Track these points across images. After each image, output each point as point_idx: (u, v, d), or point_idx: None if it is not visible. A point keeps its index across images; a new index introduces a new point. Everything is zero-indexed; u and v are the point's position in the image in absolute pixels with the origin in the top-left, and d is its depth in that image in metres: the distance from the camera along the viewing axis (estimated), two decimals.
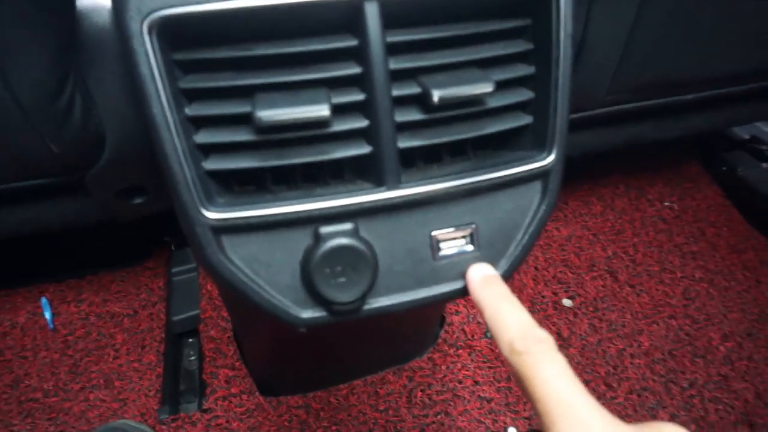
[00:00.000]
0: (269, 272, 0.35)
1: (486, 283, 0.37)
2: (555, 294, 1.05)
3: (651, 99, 0.77)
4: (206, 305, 0.94)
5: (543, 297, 1.04)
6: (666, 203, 1.22)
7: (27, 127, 0.53)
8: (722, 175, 1.26)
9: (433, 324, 0.85)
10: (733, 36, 0.70)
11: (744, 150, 1.28)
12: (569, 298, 1.04)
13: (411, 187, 0.36)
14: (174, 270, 0.97)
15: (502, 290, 0.36)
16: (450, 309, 0.93)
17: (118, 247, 1.07)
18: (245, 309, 0.53)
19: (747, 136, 1.30)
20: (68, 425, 0.83)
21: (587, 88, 0.68)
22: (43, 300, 0.96)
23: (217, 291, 0.95)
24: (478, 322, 0.93)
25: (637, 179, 1.26)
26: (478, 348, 0.91)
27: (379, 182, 0.35)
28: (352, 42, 0.33)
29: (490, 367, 0.89)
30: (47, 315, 0.95)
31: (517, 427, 0.78)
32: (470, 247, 0.38)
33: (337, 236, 0.35)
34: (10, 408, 0.85)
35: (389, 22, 0.33)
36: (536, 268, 1.09)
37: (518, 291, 1.04)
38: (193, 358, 0.91)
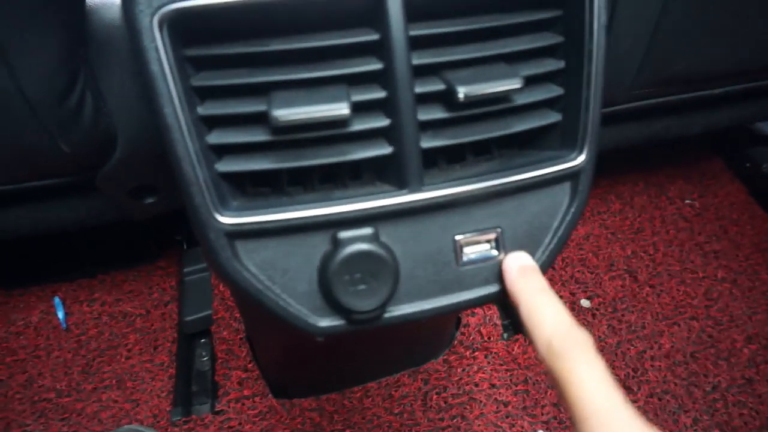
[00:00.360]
0: (285, 279, 0.34)
1: (523, 274, 0.35)
2: (573, 294, 1.02)
3: (677, 93, 0.74)
4: (218, 306, 0.93)
5: (560, 297, 1.01)
6: (687, 201, 1.19)
7: (37, 125, 0.52)
8: (746, 172, 1.22)
9: (449, 326, 0.83)
10: (762, 27, 0.68)
11: None
12: (587, 298, 1.02)
13: (434, 189, 0.34)
14: (186, 270, 0.96)
15: (541, 283, 0.34)
16: (466, 311, 0.91)
17: (130, 247, 1.06)
18: (259, 315, 0.51)
19: None
20: (81, 426, 0.82)
21: (611, 82, 0.66)
22: (56, 299, 0.96)
23: (229, 292, 0.94)
24: (495, 324, 0.91)
25: (656, 176, 1.23)
26: (495, 350, 0.89)
27: (401, 184, 0.34)
28: (374, 36, 0.31)
29: (507, 370, 0.87)
30: (60, 315, 0.94)
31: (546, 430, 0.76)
32: (495, 252, 0.37)
33: (357, 241, 0.33)
34: (24, 408, 0.84)
35: (412, 14, 0.31)
36: (553, 268, 1.06)
37: None
38: (205, 358, 0.90)
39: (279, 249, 0.33)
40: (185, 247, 1.01)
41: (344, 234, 0.33)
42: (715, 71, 0.72)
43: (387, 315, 0.35)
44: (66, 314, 0.95)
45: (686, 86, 0.75)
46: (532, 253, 0.37)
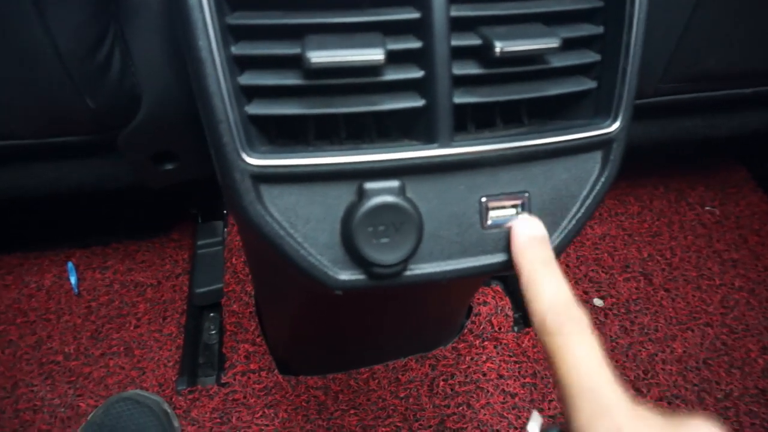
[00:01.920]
0: (308, 228, 0.33)
1: (530, 243, 0.34)
2: (586, 293, 1.01)
3: (706, 90, 0.73)
4: (230, 279, 0.93)
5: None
6: (707, 207, 1.17)
7: (65, 78, 0.52)
8: None
9: (460, 312, 0.83)
10: None
11: None
12: (600, 298, 1.01)
13: (464, 146, 0.33)
14: (199, 243, 0.96)
15: (546, 255, 0.33)
16: (478, 299, 0.90)
17: (145, 218, 1.07)
18: (274, 272, 0.51)
19: None
20: (87, 389, 0.83)
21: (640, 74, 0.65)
22: (69, 264, 0.97)
23: (240, 265, 0.94)
24: (506, 315, 0.90)
25: (677, 181, 1.22)
26: (505, 341, 0.88)
27: (431, 139, 0.33)
28: None
29: (516, 362, 0.86)
30: (72, 280, 0.95)
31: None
32: None
33: (383, 193, 0.32)
34: (32, 369, 0.85)
35: None
36: (567, 266, 1.05)
37: None
38: (213, 332, 0.90)
39: (303, 196, 0.33)
40: (200, 220, 1.01)
41: (370, 185, 0.33)
42: (746, 69, 0.71)
43: (408, 273, 0.34)
44: (78, 280, 0.95)
45: (716, 83, 0.74)
46: (558, 222, 0.37)
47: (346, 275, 0.34)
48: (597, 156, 0.37)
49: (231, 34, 0.31)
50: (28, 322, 0.91)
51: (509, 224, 0.35)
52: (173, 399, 0.81)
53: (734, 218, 1.15)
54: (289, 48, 0.31)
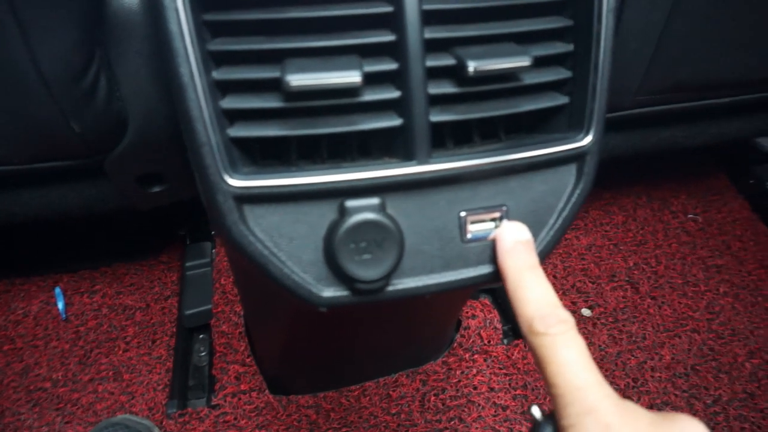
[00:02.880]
0: (291, 246, 0.34)
1: (515, 249, 0.35)
2: (574, 303, 1.02)
3: (683, 101, 0.75)
4: (219, 299, 0.93)
5: None
6: (690, 215, 1.19)
7: (51, 104, 0.53)
8: (750, 189, 1.22)
9: (449, 326, 0.83)
10: None
11: None
12: (588, 307, 1.02)
13: (441, 162, 0.34)
14: (188, 264, 0.96)
15: (531, 260, 0.34)
16: (466, 313, 0.91)
17: (133, 240, 1.07)
18: (261, 291, 0.51)
19: None
20: (75, 416, 0.82)
21: (617, 86, 0.66)
22: (57, 290, 0.96)
23: (229, 285, 0.94)
24: (495, 328, 0.91)
25: (660, 190, 1.24)
26: (495, 354, 0.88)
27: (409, 156, 0.34)
28: (387, 8, 0.32)
29: (506, 374, 0.86)
30: (60, 305, 0.94)
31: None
32: None
33: (364, 210, 0.33)
34: (19, 396, 0.84)
35: None
36: (555, 277, 1.06)
37: None
38: (203, 353, 0.90)
39: (286, 216, 0.34)
40: (188, 242, 1.01)
41: (351, 203, 0.33)
42: (722, 79, 0.73)
43: (391, 288, 0.35)
44: (66, 305, 0.95)
45: (693, 94, 0.76)
46: (537, 233, 0.37)
47: (330, 292, 0.35)
48: (572, 168, 0.38)
49: (212, 59, 0.32)
50: (15, 349, 0.90)
51: (494, 233, 0.36)
52: (164, 423, 0.80)
53: (717, 225, 1.17)
54: (269, 72, 0.32)
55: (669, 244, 1.13)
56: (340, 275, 0.34)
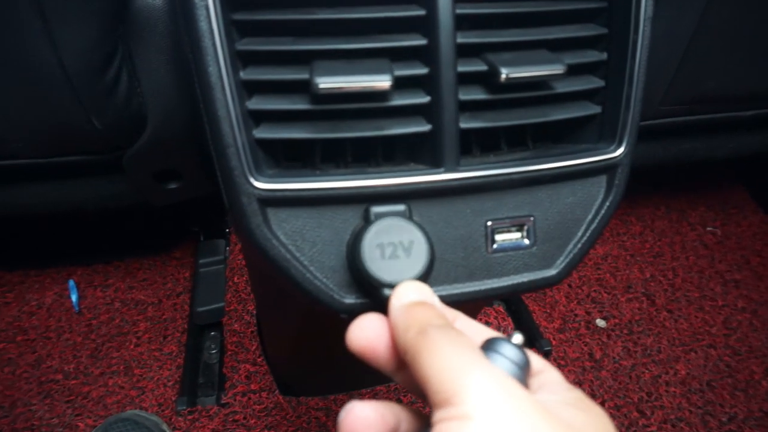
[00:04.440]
0: (314, 251, 0.33)
1: (409, 313, 0.27)
2: (588, 313, 1.01)
3: (706, 113, 0.73)
4: (231, 298, 0.93)
5: (576, 315, 1.00)
6: (709, 228, 1.17)
7: (72, 98, 0.53)
8: None
9: None
10: None
11: None
12: (603, 318, 1.00)
13: (469, 170, 0.33)
14: (201, 261, 0.96)
15: (432, 319, 0.26)
16: (480, 319, 0.90)
17: (146, 236, 1.07)
18: (278, 293, 0.51)
19: None
20: (86, 409, 0.82)
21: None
22: (71, 282, 0.96)
23: (243, 284, 0.94)
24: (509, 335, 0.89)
25: (678, 201, 1.22)
26: None
27: (437, 163, 0.33)
28: (420, 12, 0.31)
29: None
30: (73, 297, 0.94)
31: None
32: (526, 242, 0.36)
33: (389, 216, 0.32)
34: (31, 387, 0.84)
35: None
36: (570, 286, 1.05)
37: (550, 307, 1.00)
38: (214, 351, 0.89)
39: (310, 220, 0.33)
40: (202, 239, 1.01)
41: (377, 209, 0.33)
42: (745, 92, 0.72)
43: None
44: (79, 297, 0.95)
45: (715, 106, 0.74)
46: (564, 246, 0.37)
47: (352, 299, 0.34)
48: (602, 180, 0.37)
49: (240, 59, 0.32)
50: (28, 340, 0.90)
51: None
52: (173, 419, 0.80)
53: (735, 239, 1.15)
54: (297, 73, 0.32)
55: (686, 257, 1.12)
56: (362, 283, 0.33)
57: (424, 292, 0.29)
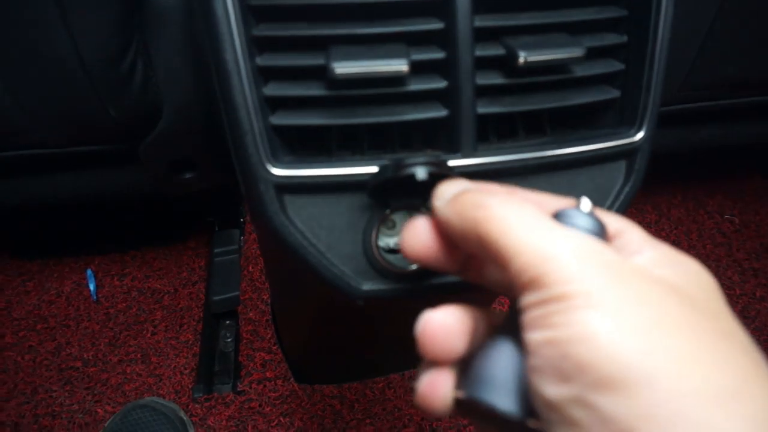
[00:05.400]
0: (331, 238, 0.33)
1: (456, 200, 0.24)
2: None
3: (725, 98, 0.72)
4: (247, 287, 0.93)
5: None
6: (726, 216, 1.15)
7: (88, 88, 0.53)
8: None
9: None
10: None
11: None
12: None
13: (486, 156, 0.33)
14: (216, 250, 0.97)
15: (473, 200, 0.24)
16: (496, 305, 0.90)
17: (162, 226, 1.08)
18: (293, 281, 0.51)
19: None
20: (105, 396, 0.83)
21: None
22: (89, 271, 0.98)
23: (257, 273, 0.94)
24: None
25: (695, 189, 1.20)
26: None
27: (454, 149, 0.33)
28: None
29: None
30: (91, 286, 0.96)
31: None
32: None
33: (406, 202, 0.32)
34: (51, 374, 0.86)
35: None
36: None
37: None
38: (229, 339, 0.90)
39: (326, 206, 0.33)
40: (217, 228, 1.02)
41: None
42: (767, 77, 0.70)
43: (430, 282, 0.34)
44: (97, 287, 0.96)
45: (736, 91, 0.73)
46: None
47: (369, 285, 0.34)
48: (621, 166, 0.36)
49: (256, 45, 0.32)
50: (48, 328, 0.92)
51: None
52: (189, 406, 0.81)
53: (754, 227, 1.14)
54: (313, 59, 0.32)
55: (703, 245, 1.10)
56: (378, 269, 0.33)
57: (465, 184, 0.26)
